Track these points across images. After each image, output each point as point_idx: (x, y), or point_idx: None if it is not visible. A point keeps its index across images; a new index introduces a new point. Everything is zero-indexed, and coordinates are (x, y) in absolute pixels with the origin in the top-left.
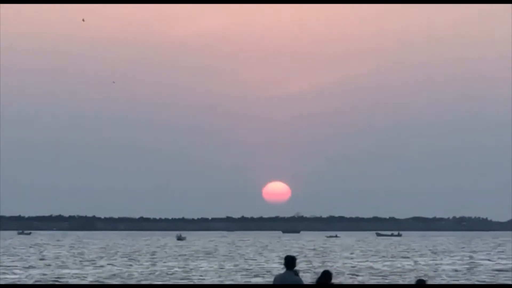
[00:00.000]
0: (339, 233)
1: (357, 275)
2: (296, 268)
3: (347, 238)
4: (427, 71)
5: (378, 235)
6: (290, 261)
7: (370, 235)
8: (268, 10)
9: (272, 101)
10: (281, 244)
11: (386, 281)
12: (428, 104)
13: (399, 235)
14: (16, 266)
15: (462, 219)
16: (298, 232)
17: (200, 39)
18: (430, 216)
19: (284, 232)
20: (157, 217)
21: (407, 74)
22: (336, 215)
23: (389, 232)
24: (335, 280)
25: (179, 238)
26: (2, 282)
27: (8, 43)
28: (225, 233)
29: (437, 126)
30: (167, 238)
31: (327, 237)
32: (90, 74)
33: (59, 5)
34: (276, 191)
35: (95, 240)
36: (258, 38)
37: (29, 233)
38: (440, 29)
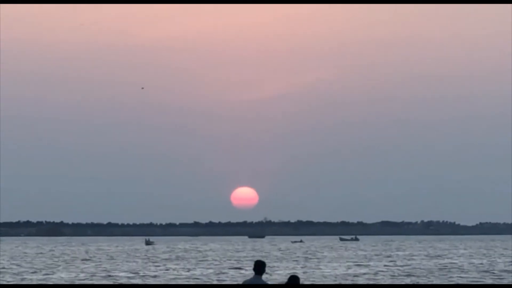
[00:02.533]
0: (305, 238)
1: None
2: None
3: (310, 242)
4: (408, 72)
5: (341, 239)
6: (259, 266)
7: (334, 240)
8: (249, 11)
9: (241, 104)
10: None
11: None
12: (393, 107)
13: (356, 239)
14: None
15: (430, 223)
16: (263, 237)
17: (178, 40)
18: (398, 220)
19: (250, 237)
20: (125, 223)
21: (382, 75)
22: (304, 219)
23: (349, 237)
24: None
25: (148, 243)
26: None
27: (7, 45)
28: (189, 238)
29: (405, 130)
30: (136, 243)
31: (292, 242)
32: (65, 76)
33: (50, 8)
34: (244, 196)
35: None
36: (230, 41)
37: None
38: (432, 28)
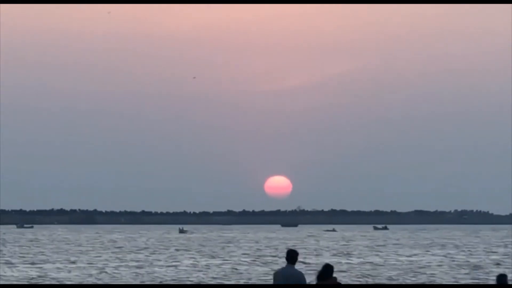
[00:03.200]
0: (338, 227)
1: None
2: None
3: (342, 231)
4: (425, 66)
5: (375, 228)
6: (292, 255)
7: (368, 228)
8: (265, 5)
9: (274, 95)
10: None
11: None
12: (427, 98)
13: (386, 228)
14: None
15: (464, 212)
16: (296, 226)
17: (197, 33)
18: (432, 209)
19: (283, 226)
20: (159, 211)
21: (407, 67)
22: (338, 208)
23: (380, 226)
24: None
25: (181, 231)
26: None
27: (9, 38)
28: (223, 226)
29: (438, 120)
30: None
31: (324, 230)
32: (92, 70)
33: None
34: (278, 185)
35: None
36: (256, 32)
37: (31, 227)
38: (436, 26)
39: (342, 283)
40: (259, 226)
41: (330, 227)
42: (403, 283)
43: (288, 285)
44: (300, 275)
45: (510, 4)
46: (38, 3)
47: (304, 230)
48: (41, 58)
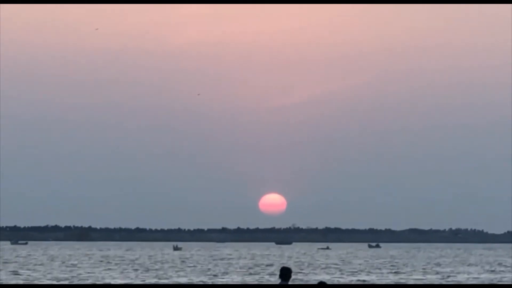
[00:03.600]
0: (332, 245)
1: None
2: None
3: (337, 250)
4: (427, 78)
5: (370, 246)
6: (285, 273)
7: (362, 247)
8: (275, 18)
9: (269, 111)
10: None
11: None
12: (423, 113)
13: (378, 246)
14: None
15: (458, 231)
16: (290, 243)
17: (204, 46)
18: (426, 228)
19: (277, 243)
20: (153, 228)
21: (408, 81)
22: (332, 226)
23: (374, 244)
24: None
25: (176, 249)
26: None
27: (9, 47)
28: (217, 244)
29: (432, 137)
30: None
31: (319, 248)
32: (90, 83)
33: (60, 11)
34: (273, 202)
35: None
36: (260, 46)
37: (26, 243)
38: (441, 35)
39: None
40: (253, 243)
41: (325, 245)
42: (403, 283)
43: None
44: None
45: (510, 4)
46: (39, 3)
47: (297, 248)
48: (40, 71)
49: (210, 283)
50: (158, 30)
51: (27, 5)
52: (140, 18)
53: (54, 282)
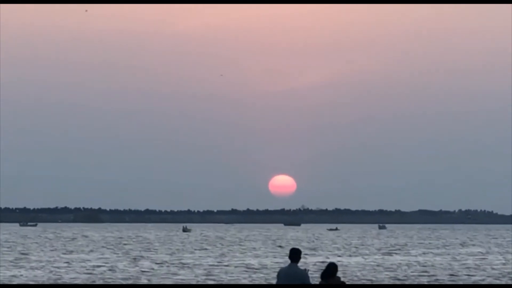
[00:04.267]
0: (341, 226)
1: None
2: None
3: (346, 231)
4: (431, 66)
5: (380, 227)
6: (295, 254)
7: (372, 228)
8: (267, 5)
9: (278, 94)
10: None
11: None
12: (433, 98)
13: (384, 227)
14: None
15: (468, 212)
16: (299, 225)
17: (205, 32)
18: (436, 209)
19: (285, 225)
20: (163, 210)
21: (412, 68)
22: (342, 208)
23: (382, 225)
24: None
25: (185, 230)
26: None
27: (9, 36)
28: (226, 225)
29: (442, 120)
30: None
31: (328, 229)
32: (94, 67)
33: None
34: (282, 184)
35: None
36: (264, 32)
37: (35, 225)
38: (441, 26)
39: (347, 282)
40: (262, 225)
41: (334, 226)
42: (403, 283)
43: (292, 285)
44: (303, 274)
45: (510, 4)
46: (39, 3)
47: (306, 229)
48: (47, 54)
49: (211, 283)
50: (161, 15)
51: None
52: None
53: (55, 282)
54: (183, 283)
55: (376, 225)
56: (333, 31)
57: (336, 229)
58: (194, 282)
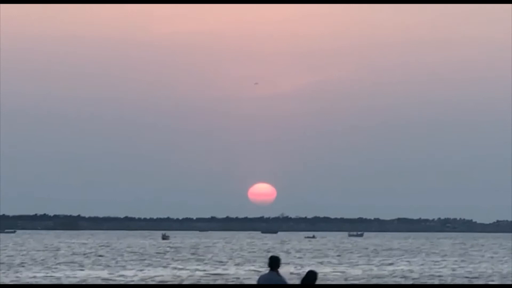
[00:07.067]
0: (318, 234)
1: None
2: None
3: (321, 239)
4: (410, 72)
5: (349, 235)
6: (274, 261)
7: (344, 236)
8: (254, 9)
9: (258, 101)
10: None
11: None
12: (411, 105)
13: (361, 235)
14: None
15: (447, 220)
16: (276, 232)
17: (183, 37)
18: (415, 217)
19: (263, 232)
20: (142, 217)
21: (392, 75)
22: (321, 215)
23: (354, 233)
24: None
25: (164, 238)
26: None
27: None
28: (197, 233)
29: (422, 128)
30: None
31: (305, 237)
32: (72, 71)
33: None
34: (262, 192)
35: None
36: (243, 37)
37: (13, 232)
38: (426, 30)
39: None
40: (239, 232)
41: (311, 234)
42: (403, 284)
43: None
44: (281, 281)
45: (510, 4)
46: (38, 3)
47: (282, 237)
48: (36, 62)
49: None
50: (137, 21)
51: None
52: (123, 8)
53: (54, 282)
54: (183, 284)
55: (355, 233)
56: (320, 36)
57: (313, 237)
58: None
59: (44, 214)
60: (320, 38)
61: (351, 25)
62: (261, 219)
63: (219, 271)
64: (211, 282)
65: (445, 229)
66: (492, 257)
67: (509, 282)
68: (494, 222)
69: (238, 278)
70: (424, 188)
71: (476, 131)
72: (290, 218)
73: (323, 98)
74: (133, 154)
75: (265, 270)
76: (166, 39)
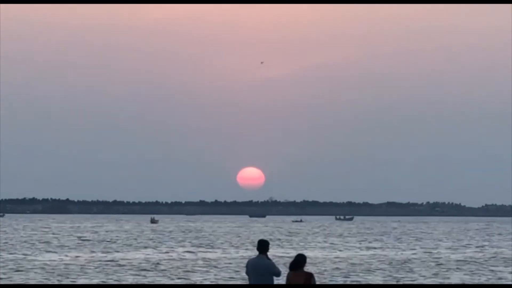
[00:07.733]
0: (306, 218)
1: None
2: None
3: (309, 223)
4: (403, 61)
5: (337, 219)
6: (262, 245)
7: (331, 219)
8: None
9: (246, 87)
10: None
11: None
12: (401, 92)
13: (350, 219)
14: None
15: (436, 204)
16: (264, 216)
17: (174, 22)
18: (404, 201)
19: (251, 216)
20: (131, 201)
21: (384, 62)
22: (310, 199)
23: (343, 216)
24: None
25: (153, 221)
26: None
27: None
28: (187, 217)
29: (410, 114)
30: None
31: (293, 221)
32: (62, 57)
33: None
34: (251, 176)
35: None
36: (234, 24)
37: (2, 215)
38: (426, 20)
39: (314, 273)
40: (226, 216)
41: (299, 218)
42: (402, 283)
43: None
44: (269, 265)
45: (510, 4)
46: (38, 3)
47: (269, 221)
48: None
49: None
50: (122, 8)
51: None
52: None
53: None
54: (183, 283)
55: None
56: (301, 27)
57: (301, 221)
58: None
59: (33, 198)
60: (311, 24)
61: (344, 12)
62: (250, 203)
63: (209, 255)
64: (204, 265)
65: (434, 213)
66: None
67: None
68: (483, 206)
69: (231, 263)
70: (412, 172)
71: (465, 117)
72: (279, 202)
73: (312, 83)
74: (122, 138)
75: (254, 254)
76: (153, 24)
